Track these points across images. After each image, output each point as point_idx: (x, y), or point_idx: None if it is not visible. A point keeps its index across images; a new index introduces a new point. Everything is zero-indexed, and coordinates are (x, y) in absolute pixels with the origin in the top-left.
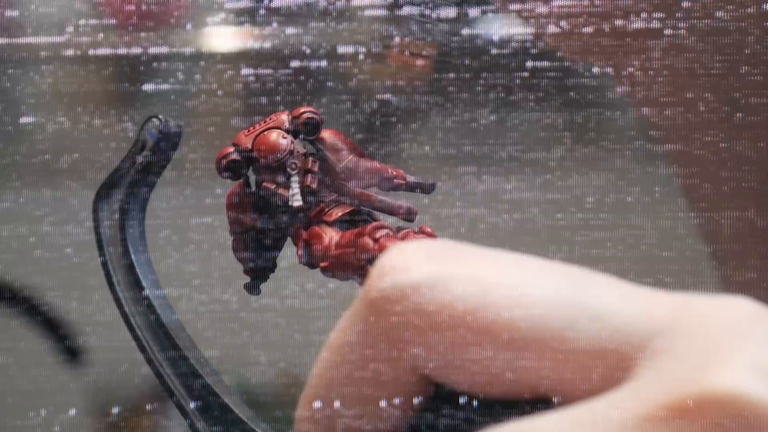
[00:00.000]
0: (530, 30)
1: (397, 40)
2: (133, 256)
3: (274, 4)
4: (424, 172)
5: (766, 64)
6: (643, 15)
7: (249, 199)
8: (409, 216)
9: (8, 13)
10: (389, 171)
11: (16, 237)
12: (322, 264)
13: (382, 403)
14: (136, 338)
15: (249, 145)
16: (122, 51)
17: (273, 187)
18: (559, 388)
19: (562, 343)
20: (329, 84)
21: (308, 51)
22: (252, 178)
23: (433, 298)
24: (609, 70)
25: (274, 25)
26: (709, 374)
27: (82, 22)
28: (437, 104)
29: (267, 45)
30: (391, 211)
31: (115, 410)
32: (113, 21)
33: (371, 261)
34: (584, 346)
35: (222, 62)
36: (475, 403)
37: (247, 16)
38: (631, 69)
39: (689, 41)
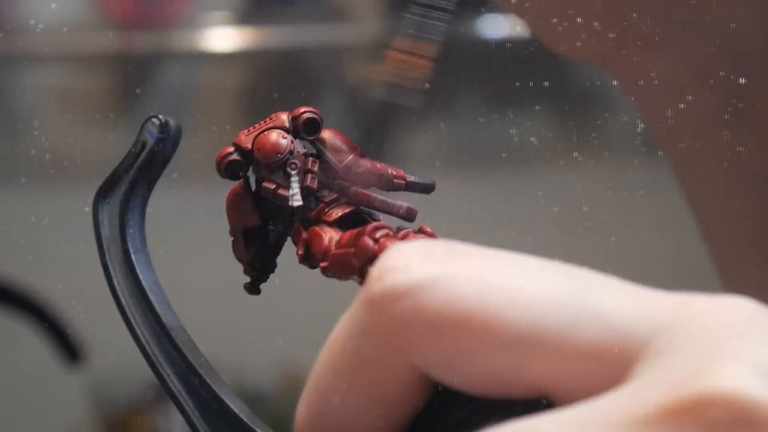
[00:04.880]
0: (529, 30)
1: (397, 40)
2: (133, 256)
3: (274, 5)
4: (424, 171)
5: None
6: (643, 15)
7: (249, 199)
8: (409, 216)
9: (9, 13)
10: (389, 171)
11: (17, 237)
12: (322, 264)
13: (382, 403)
14: (136, 338)
15: (249, 145)
16: (122, 51)
17: (273, 187)
18: (558, 388)
19: (561, 342)
20: (329, 84)
21: (308, 51)
22: (252, 178)
23: (433, 298)
24: (608, 69)
25: (274, 25)
26: (709, 374)
27: (82, 22)
28: (437, 104)
29: (267, 45)
30: (391, 211)
31: (115, 410)
32: (114, 21)
33: (371, 261)
34: (584, 346)
35: (222, 62)
36: (475, 403)
37: (247, 16)
38: (630, 69)
39: (690, 40)
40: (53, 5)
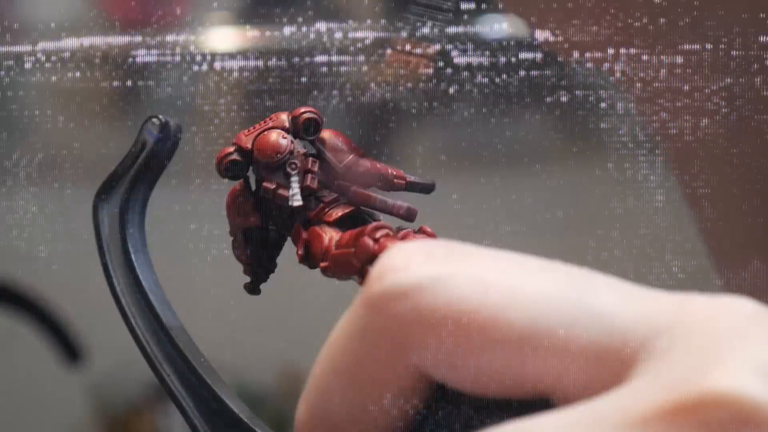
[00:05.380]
0: (530, 30)
1: (397, 40)
2: (133, 256)
3: (274, 4)
4: (423, 172)
5: None
6: (646, 16)
7: (249, 199)
8: (409, 216)
9: (8, 11)
10: (389, 171)
11: (17, 237)
12: (322, 264)
13: (383, 403)
14: (136, 338)
15: (249, 145)
16: (122, 50)
17: (273, 187)
18: (558, 388)
19: (562, 343)
20: (329, 84)
21: (308, 51)
22: (252, 178)
23: (433, 298)
24: (608, 69)
25: (274, 25)
26: (709, 374)
27: (82, 21)
28: (437, 104)
29: (267, 45)
30: (391, 211)
31: (115, 410)
32: (114, 21)
33: (371, 261)
34: (584, 346)
35: (222, 62)
36: (475, 403)
37: (247, 16)
38: (631, 70)
39: (691, 42)
40: (54, 5)
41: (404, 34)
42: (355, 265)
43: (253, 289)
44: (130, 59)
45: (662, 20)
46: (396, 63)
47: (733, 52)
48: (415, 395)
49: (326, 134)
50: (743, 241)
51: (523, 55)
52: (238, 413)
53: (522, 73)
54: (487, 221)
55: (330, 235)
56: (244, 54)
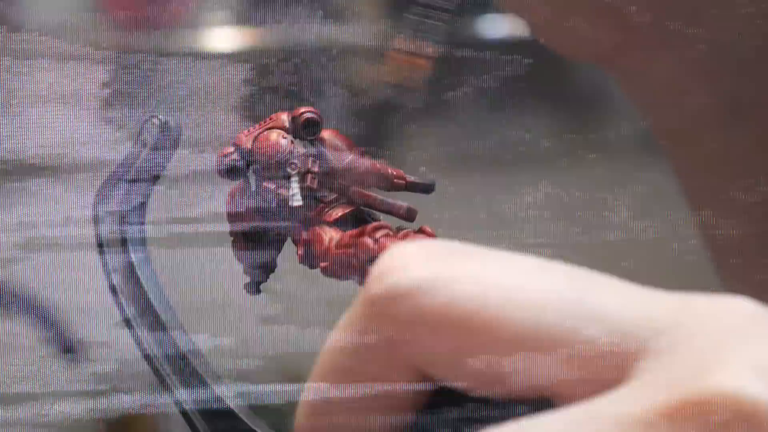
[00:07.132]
0: (530, 30)
1: (397, 40)
2: (133, 256)
3: (274, 4)
4: (424, 172)
5: None
6: (644, 15)
7: (249, 199)
8: (409, 216)
9: (8, 10)
10: (389, 171)
11: (17, 236)
12: (322, 264)
13: (382, 403)
14: (136, 338)
15: (249, 145)
16: (122, 50)
17: (273, 187)
18: (559, 387)
19: (562, 343)
20: (329, 84)
21: (308, 51)
22: (252, 178)
23: (433, 299)
24: (608, 70)
25: (274, 25)
26: (709, 374)
27: (82, 21)
28: (437, 104)
29: (267, 45)
30: (391, 211)
31: (115, 410)
32: (113, 20)
33: (371, 261)
34: (584, 347)
35: (222, 62)
36: (475, 403)
37: (247, 16)
38: (631, 69)
39: (690, 41)
40: (54, 4)
41: (404, 34)
42: (354, 265)
43: (253, 289)
44: (130, 59)
45: (663, 20)
46: (396, 63)
47: (733, 52)
48: (414, 395)
49: (326, 134)
50: (743, 240)
51: (523, 56)
52: (238, 413)
53: (522, 73)
54: (487, 221)
55: (330, 235)
56: (244, 54)
